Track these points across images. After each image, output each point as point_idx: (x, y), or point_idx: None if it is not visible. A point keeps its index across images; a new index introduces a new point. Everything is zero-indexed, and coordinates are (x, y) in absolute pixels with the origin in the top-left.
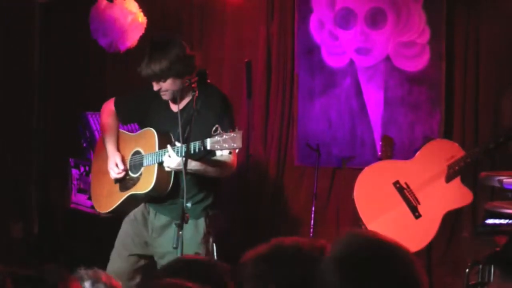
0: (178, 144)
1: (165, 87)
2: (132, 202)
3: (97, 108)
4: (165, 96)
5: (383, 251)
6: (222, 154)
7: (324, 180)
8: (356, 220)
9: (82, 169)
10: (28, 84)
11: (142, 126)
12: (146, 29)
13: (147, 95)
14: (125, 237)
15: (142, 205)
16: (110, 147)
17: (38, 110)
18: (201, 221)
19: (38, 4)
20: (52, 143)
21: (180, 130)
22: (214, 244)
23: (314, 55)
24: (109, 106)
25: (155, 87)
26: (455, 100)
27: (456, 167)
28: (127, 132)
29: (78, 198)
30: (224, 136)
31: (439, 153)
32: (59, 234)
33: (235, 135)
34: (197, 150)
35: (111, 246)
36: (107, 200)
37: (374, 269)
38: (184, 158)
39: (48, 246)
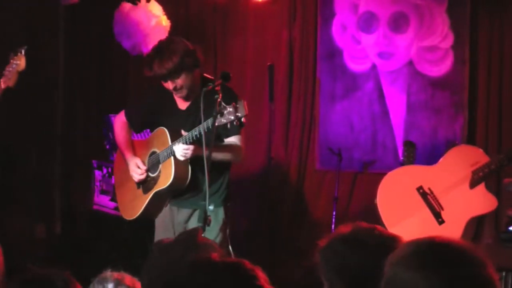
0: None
1: (180, 83)
2: (157, 202)
3: (120, 110)
4: (181, 94)
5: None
6: (230, 139)
7: (345, 184)
8: (378, 225)
9: (105, 170)
10: (52, 87)
11: (153, 129)
12: (170, 33)
13: (154, 100)
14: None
15: (166, 207)
16: (128, 155)
17: (62, 113)
18: (221, 210)
19: (62, 7)
20: (75, 145)
21: (202, 116)
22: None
23: (336, 59)
24: (121, 119)
25: (170, 85)
26: (478, 105)
27: (481, 173)
28: (140, 139)
29: (101, 200)
30: (228, 108)
31: (464, 159)
32: (81, 235)
33: (237, 105)
34: (206, 130)
35: (132, 247)
36: (133, 206)
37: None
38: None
39: (70, 247)
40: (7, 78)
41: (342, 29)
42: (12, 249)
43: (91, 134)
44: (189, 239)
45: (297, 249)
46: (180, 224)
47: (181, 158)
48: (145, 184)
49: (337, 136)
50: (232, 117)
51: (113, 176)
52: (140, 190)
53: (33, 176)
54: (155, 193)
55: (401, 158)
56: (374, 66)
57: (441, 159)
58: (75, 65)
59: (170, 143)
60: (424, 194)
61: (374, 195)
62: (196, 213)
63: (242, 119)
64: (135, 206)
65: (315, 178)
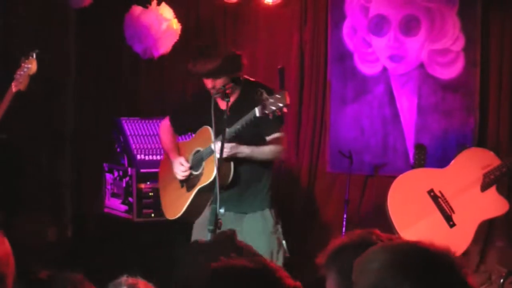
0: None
1: (220, 83)
2: (200, 200)
3: (131, 113)
4: (218, 95)
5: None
6: (271, 137)
7: (356, 187)
8: (389, 228)
9: (116, 173)
10: (63, 90)
11: (196, 131)
12: (180, 36)
13: (196, 101)
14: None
15: (207, 208)
16: (173, 156)
17: (72, 116)
18: (267, 212)
19: (73, 10)
20: (86, 148)
21: (212, 118)
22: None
23: (346, 62)
24: (166, 124)
25: (209, 84)
26: (489, 107)
27: (492, 176)
28: (185, 140)
29: (112, 203)
30: (270, 99)
31: (475, 162)
32: (92, 238)
33: (279, 95)
34: (248, 122)
35: (144, 250)
36: (176, 205)
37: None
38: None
39: (81, 250)
40: (18, 82)
41: (353, 32)
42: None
43: (102, 137)
44: (227, 241)
45: (307, 251)
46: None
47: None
48: (189, 182)
49: (347, 139)
50: (274, 107)
51: (124, 179)
52: (184, 189)
53: (44, 180)
54: (198, 190)
55: (412, 161)
56: (385, 69)
57: (452, 162)
58: (86, 68)
59: (213, 140)
60: (435, 197)
61: (384, 198)
62: (246, 217)
63: (284, 109)
64: (178, 205)
65: (326, 181)
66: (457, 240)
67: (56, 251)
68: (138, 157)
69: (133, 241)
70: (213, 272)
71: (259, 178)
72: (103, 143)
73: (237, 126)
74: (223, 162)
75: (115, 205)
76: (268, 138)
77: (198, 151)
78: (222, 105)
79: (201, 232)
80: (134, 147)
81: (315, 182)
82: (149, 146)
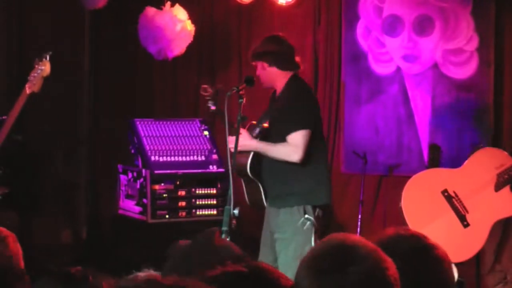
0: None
1: (258, 69)
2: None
3: (145, 114)
4: (263, 83)
5: (342, 248)
6: (289, 136)
7: (371, 187)
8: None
9: (130, 175)
10: (77, 91)
11: None
12: (194, 37)
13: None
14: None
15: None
16: None
17: (87, 118)
18: (295, 210)
19: (88, 11)
20: (100, 149)
21: (226, 119)
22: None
23: (361, 62)
24: None
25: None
26: (503, 107)
27: (506, 176)
28: None
29: (126, 204)
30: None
31: (488, 162)
32: (107, 240)
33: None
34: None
35: (158, 252)
36: None
37: (332, 265)
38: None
39: (95, 252)
40: (32, 84)
41: (366, 32)
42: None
43: (116, 138)
44: (205, 242)
45: None
46: (269, 223)
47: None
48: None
49: (362, 139)
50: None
51: (138, 180)
52: None
53: (59, 181)
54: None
55: (426, 161)
56: (398, 69)
57: (466, 162)
58: (100, 69)
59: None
60: (449, 197)
61: (399, 199)
62: (281, 211)
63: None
64: None
65: (341, 181)
66: (471, 240)
67: (70, 253)
68: (152, 158)
69: (147, 243)
70: (210, 281)
71: (284, 176)
72: (117, 144)
73: (261, 121)
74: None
75: (130, 207)
76: (286, 137)
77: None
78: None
79: (264, 230)
80: (148, 148)
81: None
82: (163, 148)
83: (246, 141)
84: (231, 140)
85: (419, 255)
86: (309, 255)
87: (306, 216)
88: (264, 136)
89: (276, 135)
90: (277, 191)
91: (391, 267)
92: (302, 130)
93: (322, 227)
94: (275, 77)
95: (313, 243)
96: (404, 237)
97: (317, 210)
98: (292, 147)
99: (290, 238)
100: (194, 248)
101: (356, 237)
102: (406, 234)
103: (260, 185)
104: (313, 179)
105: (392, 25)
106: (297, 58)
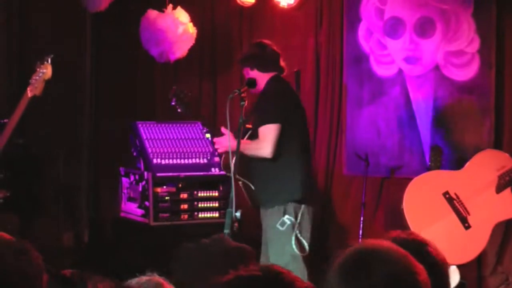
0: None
1: (245, 74)
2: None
3: (147, 117)
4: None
5: (373, 254)
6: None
7: (373, 189)
8: (405, 230)
9: (132, 178)
10: (79, 94)
11: None
12: (196, 40)
13: None
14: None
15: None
16: None
17: (89, 120)
18: (275, 209)
19: (89, 14)
20: (102, 152)
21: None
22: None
23: (362, 64)
24: None
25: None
26: (505, 109)
27: (507, 178)
28: None
29: (128, 207)
30: None
31: (490, 163)
32: (109, 243)
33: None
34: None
35: (160, 254)
36: None
37: (361, 270)
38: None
39: (97, 255)
40: (33, 87)
41: (368, 34)
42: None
43: (118, 141)
44: (218, 244)
45: (324, 254)
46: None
47: None
48: None
49: (364, 141)
50: None
51: (140, 183)
52: None
53: (60, 184)
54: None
55: (428, 163)
56: (400, 71)
57: (467, 164)
58: (102, 72)
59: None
60: (450, 199)
61: (401, 200)
62: (268, 211)
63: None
64: None
65: (343, 183)
66: (472, 242)
67: (72, 256)
68: (154, 161)
69: (149, 245)
70: (224, 287)
71: (262, 175)
72: (119, 147)
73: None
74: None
75: (132, 209)
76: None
77: None
78: None
79: (263, 251)
80: (150, 151)
81: (331, 184)
82: (165, 150)
83: (227, 142)
84: (216, 141)
85: (419, 259)
86: (340, 259)
87: (286, 216)
88: (251, 136)
89: (255, 134)
90: (260, 190)
91: (422, 272)
92: (270, 124)
93: (312, 222)
94: (258, 80)
95: (293, 243)
96: (405, 241)
97: (303, 206)
98: (261, 142)
99: (271, 239)
100: (204, 250)
101: (387, 243)
102: (408, 238)
103: (250, 185)
104: (290, 176)
105: (394, 27)
106: (282, 63)
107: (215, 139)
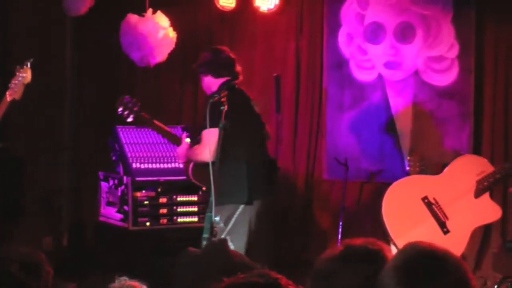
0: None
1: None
2: None
3: (127, 122)
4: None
5: (434, 258)
6: None
7: (352, 193)
8: (384, 234)
9: (111, 182)
10: (59, 98)
11: None
12: (177, 44)
13: None
14: None
15: None
16: None
17: (69, 124)
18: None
19: (70, 18)
20: (82, 156)
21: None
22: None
23: (343, 69)
24: None
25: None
26: (484, 114)
27: (486, 183)
28: None
29: (107, 212)
30: None
31: (468, 169)
32: (88, 247)
33: None
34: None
35: (139, 259)
36: None
37: (425, 273)
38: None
39: (77, 259)
40: (13, 91)
41: (348, 39)
42: None
43: (98, 145)
44: (217, 250)
45: (304, 258)
46: None
47: None
48: None
49: (344, 146)
50: None
51: (119, 188)
52: None
53: (40, 188)
54: None
55: (408, 168)
56: (380, 76)
57: (446, 169)
58: (82, 76)
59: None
60: (429, 204)
61: (381, 205)
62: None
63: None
64: None
65: (323, 188)
66: (451, 246)
67: (52, 260)
68: (134, 165)
69: (128, 250)
70: None
71: (208, 178)
72: (100, 151)
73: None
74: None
75: (111, 214)
76: None
77: None
78: None
79: None
80: (129, 155)
81: (311, 189)
82: (144, 155)
83: (179, 150)
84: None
85: (374, 264)
86: (398, 262)
87: (216, 218)
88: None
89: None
90: (209, 192)
91: (473, 278)
92: (211, 128)
93: (261, 224)
94: (211, 85)
95: None
96: (359, 247)
97: (241, 207)
98: (200, 147)
99: (206, 240)
100: (205, 256)
101: (443, 248)
102: (361, 244)
103: (203, 186)
104: (232, 180)
105: (374, 32)
106: (238, 68)
107: (176, 151)
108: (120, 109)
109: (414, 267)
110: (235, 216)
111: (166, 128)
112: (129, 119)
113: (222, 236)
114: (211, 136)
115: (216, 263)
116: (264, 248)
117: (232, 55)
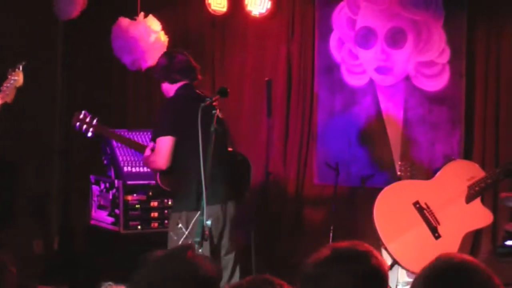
0: None
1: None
2: None
3: (119, 125)
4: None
5: (462, 270)
6: None
7: (343, 199)
8: (375, 240)
9: (102, 185)
10: (50, 101)
11: None
12: (168, 48)
13: None
14: None
15: None
16: None
17: (60, 127)
18: (172, 216)
19: (61, 21)
20: (73, 160)
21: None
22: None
23: (334, 74)
24: None
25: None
26: (475, 119)
27: (477, 188)
28: None
29: (98, 215)
30: None
31: (460, 174)
32: (79, 250)
33: None
34: None
35: (130, 262)
36: None
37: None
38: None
39: (67, 263)
40: (5, 94)
41: (340, 44)
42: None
43: (89, 149)
44: (177, 255)
45: (295, 263)
46: None
47: None
48: None
49: (335, 151)
50: None
51: (110, 191)
52: None
53: (31, 192)
54: None
55: (399, 173)
56: (371, 81)
57: (437, 174)
58: (73, 79)
59: None
60: (421, 209)
61: (371, 210)
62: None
63: None
64: None
65: (313, 193)
66: (442, 251)
67: (42, 263)
68: (125, 169)
69: (119, 253)
70: None
71: (168, 184)
72: (90, 155)
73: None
74: None
75: (102, 217)
76: None
77: None
78: None
79: None
80: (121, 159)
81: (302, 194)
82: (136, 158)
83: (143, 158)
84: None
85: (360, 267)
86: (428, 273)
87: (179, 225)
88: None
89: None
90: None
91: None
92: (163, 136)
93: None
94: (168, 91)
95: None
96: (346, 250)
97: (198, 212)
98: (153, 155)
99: (168, 244)
100: (168, 259)
101: (472, 259)
102: (349, 247)
103: (167, 189)
104: (185, 186)
105: (365, 37)
106: (194, 70)
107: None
108: (77, 124)
109: (443, 280)
110: (193, 221)
111: (129, 138)
112: (89, 134)
113: (182, 240)
114: (164, 144)
115: (173, 268)
116: (235, 248)
117: (187, 57)
